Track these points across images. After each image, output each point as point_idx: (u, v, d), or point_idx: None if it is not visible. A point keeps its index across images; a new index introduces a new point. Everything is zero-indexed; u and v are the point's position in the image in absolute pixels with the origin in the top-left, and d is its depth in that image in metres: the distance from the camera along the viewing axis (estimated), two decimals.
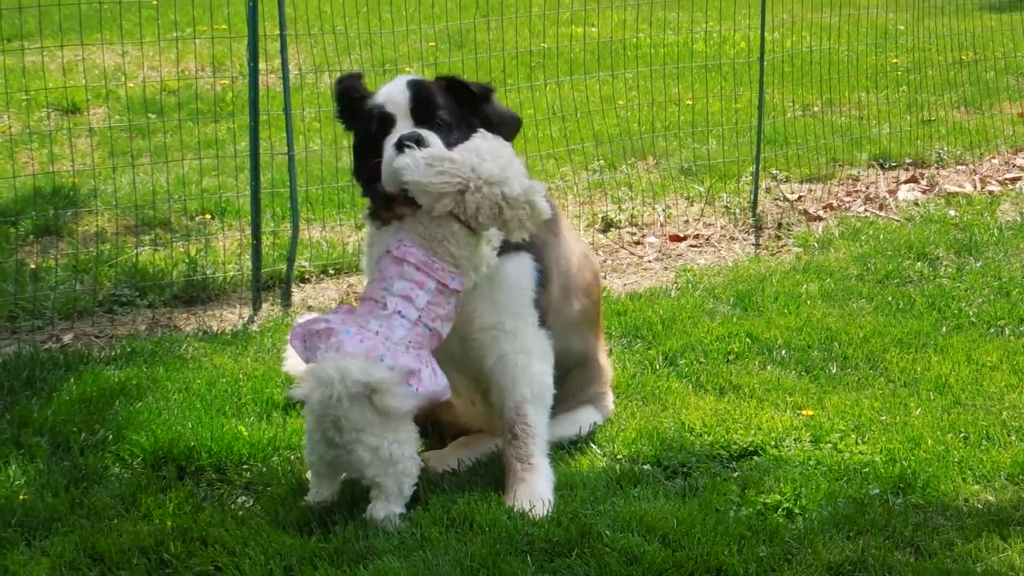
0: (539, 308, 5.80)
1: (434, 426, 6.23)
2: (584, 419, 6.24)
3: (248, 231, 8.54)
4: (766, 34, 10.30)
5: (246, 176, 8.58)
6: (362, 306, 5.44)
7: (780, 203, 10.28)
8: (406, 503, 5.30)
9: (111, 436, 6.04)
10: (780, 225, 9.81)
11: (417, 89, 5.68)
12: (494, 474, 5.73)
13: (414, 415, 5.36)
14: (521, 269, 5.77)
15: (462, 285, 5.47)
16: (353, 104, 5.81)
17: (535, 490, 5.54)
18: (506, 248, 5.69)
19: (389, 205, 5.65)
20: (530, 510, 5.38)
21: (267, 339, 7.54)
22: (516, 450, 5.66)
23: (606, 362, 6.52)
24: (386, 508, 5.25)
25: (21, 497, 5.50)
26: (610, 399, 6.47)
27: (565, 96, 11.32)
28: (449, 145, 5.56)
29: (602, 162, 10.84)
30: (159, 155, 9.95)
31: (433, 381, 5.30)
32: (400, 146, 5.50)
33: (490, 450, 5.99)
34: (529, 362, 5.73)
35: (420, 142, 5.50)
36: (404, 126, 5.61)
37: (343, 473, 5.39)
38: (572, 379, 6.09)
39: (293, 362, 6.63)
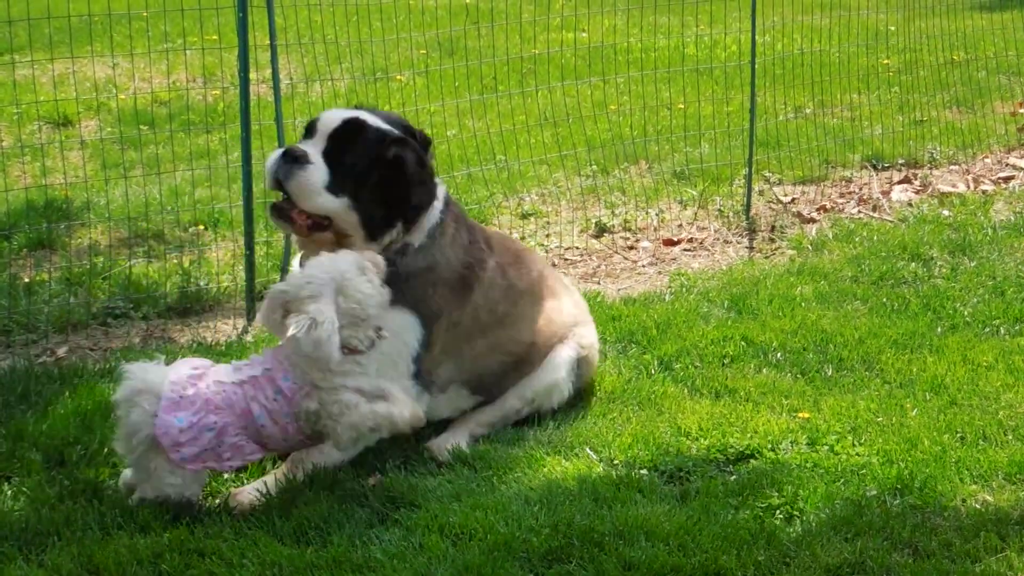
0: None
1: None
2: (561, 360, 6.49)
3: (241, 242, 8.53)
4: (757, 37, 10.30)
5: (239, 187, 8.56)
6: None
7: (773, 206, 10.28)
8: None
9: (107, 449, 6.02)
10: (773, 228, 9.81)
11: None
12: (492, 483, 5.72)
13: None
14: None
15: None
16: None
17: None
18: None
19: None
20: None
21: (261, 349, 7.52)
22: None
23: (558, 306, 6.63)
24: None
25: (17, 511, 5.49)
26: (586, 333, 6.70)
27: (557, 102, 11.33)
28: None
29: (595, 167, 10.84)
30: (151, 167, 9.94)
31: None
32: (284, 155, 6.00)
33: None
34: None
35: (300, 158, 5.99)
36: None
37: None
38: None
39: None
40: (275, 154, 6.01)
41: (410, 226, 6.05)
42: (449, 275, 6.14)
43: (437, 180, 6.23)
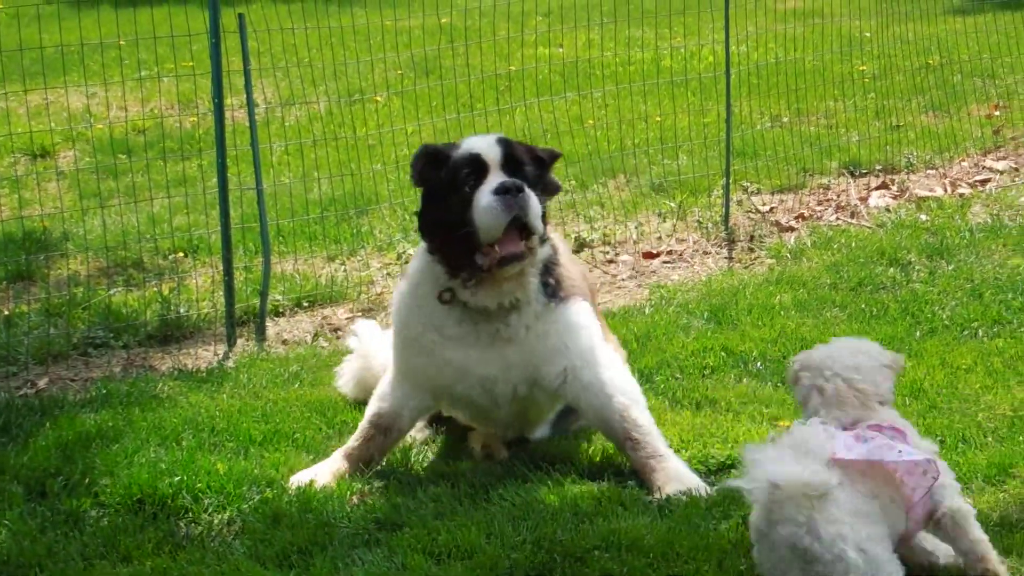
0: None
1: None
2: None
3: (220, 268, 8.53)
4: (732, 47, 10.33)
5: (217, 212, 8.57)
6: None
7: (752, 215, 10.30)
8: None
9: (88, 479, 6.01)
10: (752, 237, 9.82)
11: (507, 144, 5.95)
12: (475, 500, 5.72)
13: None
14: (584, 312, 6.08)
15: None
16: (437, 160, 5.96)
17: (677, 472, 5.82)
18: (563, 297, 6.00)
19: (470, 255, 5.79)
20: (687, 490, 5.65)
21: (242, 375, 7.53)
22: (643, 451, 5.89)
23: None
24: None
25: None
26: None
27: (534, 118, 11.35)
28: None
29: (573, 182, 10.85)
30: (129, 195, 9.94)
31: None
32: (502, 191, 5.72)
33: None
34: (611, 375, 6.04)
35: (521, 190, 5.73)
36: (497, 176, 5.81)
37: None
38: None
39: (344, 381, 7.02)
40: (494, 198, 5.74)
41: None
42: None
43: None
